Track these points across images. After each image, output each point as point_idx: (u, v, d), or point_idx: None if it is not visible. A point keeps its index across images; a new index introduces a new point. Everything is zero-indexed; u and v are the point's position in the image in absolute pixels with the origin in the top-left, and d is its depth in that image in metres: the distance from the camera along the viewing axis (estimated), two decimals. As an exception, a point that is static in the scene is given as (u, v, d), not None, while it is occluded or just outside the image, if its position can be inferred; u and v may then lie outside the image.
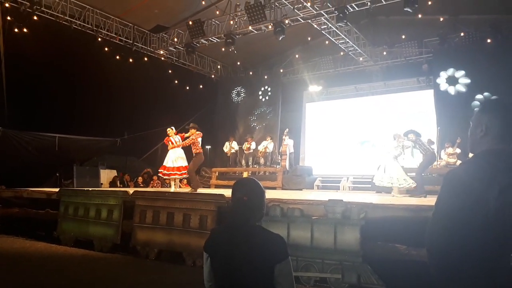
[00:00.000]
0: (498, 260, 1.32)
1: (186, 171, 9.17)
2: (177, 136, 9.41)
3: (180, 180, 10.56)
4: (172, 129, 9.44)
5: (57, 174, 12.41)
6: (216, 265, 1.87)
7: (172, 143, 9.29)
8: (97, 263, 6.45)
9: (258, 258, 1.78)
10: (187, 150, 9.39)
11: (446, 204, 1.47)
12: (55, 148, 12.60)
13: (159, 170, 9.53)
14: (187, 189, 9.48)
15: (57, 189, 8.87)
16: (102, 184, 12.95)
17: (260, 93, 17.02)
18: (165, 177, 9.56)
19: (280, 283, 1.79)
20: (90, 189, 8.74)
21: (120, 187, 12.94)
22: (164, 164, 9.36)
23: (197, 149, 8.90)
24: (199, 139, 8.94)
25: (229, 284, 1.82)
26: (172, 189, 9.25)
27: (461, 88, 12.63)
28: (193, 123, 9.36)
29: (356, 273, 4.91)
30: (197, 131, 8.99)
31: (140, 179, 14.23)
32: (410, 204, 5.34)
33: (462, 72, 12.63)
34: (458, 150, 11.25)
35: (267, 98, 16.90)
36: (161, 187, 13.27)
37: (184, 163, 9.28)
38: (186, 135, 9.24)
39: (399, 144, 8.66)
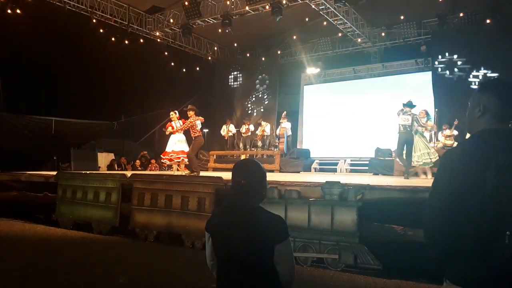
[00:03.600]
0: (494, 238, 1.33)
1: (185, 155, 9.09)
2: (179, 121, 9.31)
3: (178, 164, 10.55)
4: (175, 113, 9.38)
5: (55, 158, 12.40)
6: (217, 245, 1.89)
7: (173, 127, 9.22)
8: (96, 245, 6.50)
9: (258, 238, 1.79)
10: (187, 133, 9.32)
11: (443, 184, 1.47)
12: (51, 131, 12.54)
13: (162, 157, 9.52)
14: (186, 173, 9.45)
15: (54, 173, 8.87)
16: (99, 167, 12.96)
17: (257, 75, 16.88)
18: (167, 162, 9.50)
19: (280, 263, 1.80)
20: (88, 172, 8.75)
21: (118, 170, 12.96)
22: (166, 150, 9.35)
23: (195, 132, 8.78)
24: (198, 122, 8.79)
25: (230, 264, 1.84)
26: (175, 173, 9.17)
27: (459, 68, 12.56)
28: (191, 106, 9.15)
29: (353, 253, 4.97)
30: (195, 114, 8.85)
31: (138, 162, 14.25)
32: (406, 185, 5.37)
33: (461, 54, 12.52)
34: (455, 132, 11.26)
35: (264, 80, 16.78)
36: (159, 170, 13.30)
37: (185, 147, 9.19)
38: (187, 123, 9.05)
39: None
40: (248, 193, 1.89)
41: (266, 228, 1.81)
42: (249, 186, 1.90)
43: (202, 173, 9.10)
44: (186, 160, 9.25)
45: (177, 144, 9.21)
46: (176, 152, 9.17)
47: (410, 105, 8.60)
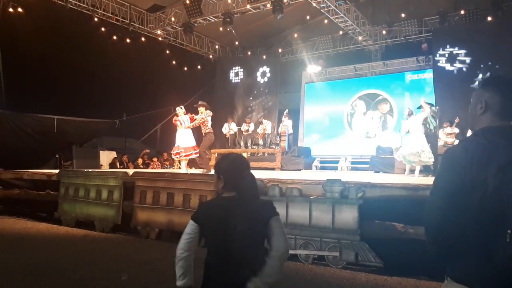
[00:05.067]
0: (495, 236, 1.32)
1: (196, 151, 8.79)
2: (186, 116, 8.95)
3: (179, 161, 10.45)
4: (181, 108, 9.04)
5: (57, 156, 12.41)
6: (211, 234, 1.95)
7: (181, 123, 8.87)
8: (98, 243, 6.53)
9: (255, 217, 1.92)
10: (196, 130, 9.06)
11: (444, 182, 1.46)
12: (53, 130, 12.55)
13: (172, 152, 9.23)
14: (198, 171, 9.19)
15: (57, 171, 8.90)
16: (101, 165, 12.98)
17: (258, 73, 16.87)
18: (176, 157, 9.22)
19: (275, 235, 1.91)
20: (90, 170, 8.77)
21: (120, 168, 12.99)
22: (176, 145, 9.00)
23: (206, 128, 8.61)
24: (209, 119, 8.61)
25: (226, 249, 1.88)
26: (184, 170, 8.92)
27: (460, 66, 12.54)
28: (202, 101, 8.94)
29: (354, 251, 4.98)
30: (206, 109, 8.65)
31: (140, 160, 14.27)
32: (407, 183, 5.38)
33: (462, 51, 12.51)
34: (456, 130, 11.26)
35: (265, 78, 16.77)
36: (161, 168, 13.32)
37: (193, 143, 8.91)
38: (197, 116, 8.76)
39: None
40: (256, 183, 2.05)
41: (260, 208, 1.98)
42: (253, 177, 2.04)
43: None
44: (193, 157, 9.00)
45: (187, 140, 8.87)
46: (184, 148, 8.83)
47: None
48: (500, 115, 1.50)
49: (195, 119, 8.74)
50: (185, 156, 8.93)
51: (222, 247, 1.91)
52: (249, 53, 17.38)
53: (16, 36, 11.26)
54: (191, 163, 10.30)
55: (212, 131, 8.76)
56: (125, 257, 5.57)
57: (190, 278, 1.91)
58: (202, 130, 8.70)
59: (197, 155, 8.85)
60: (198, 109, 8.73)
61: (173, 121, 9.17)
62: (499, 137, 1.41)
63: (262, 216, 1.94)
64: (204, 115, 8.57)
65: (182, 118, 8.92)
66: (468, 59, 12.44)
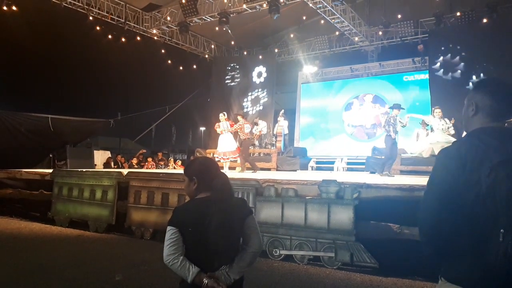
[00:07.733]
0: (489, 237, 1.33)
1: (236, 155, 9.93)
2: (227, 122, 10.03)
3: (175, 161, 10.64)
4: (224, 114, 10.18)
5: (51, 155, 12.33)
6: (191, 235, 1.95)
7: (220, 127, 10.01)
8: (92, 243, 6.49)
9: (231, 216, 1.97)
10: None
11: (438, 183, 1.47)
12: (48, 129, 12.43)
13: (215, 156, 10.19)
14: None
15: (50, 170, 8.84)
16: (96, 165, 12.91)
17: (254, 73, 16.85)
18: (221, 161, 9.93)
19: (252, 233, 2.01)
20: (84, 170, 8.72)
21: (114, 168, 12.93)
22: (217, 149, 10.16)
23: (244, 135, 9.84)
24: (246, 126, 9.89)
25: (207, 248, 1.92)
26: (227, 171, 9.57)
27: (456, 67, 12.58)
28: (242, 112, 10.58)
29: (349, 251, 4.98)
30: (243, 118, 9.99)
31: (134, 160, 14.21)
32: (403, 184, 5.38)
33: (458, 52, 12.55)
34: (451, 131, 11.29)
35: (261, 78, 16.74)
36: (156, 168, 13.27)
37: (234, 147, 9.97)
38: (236, 126, 9.99)
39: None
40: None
41: (236, 206, 2.05)
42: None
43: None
44: (233, 160, 10.09)
45: (227, 145, 9.94)
46: (225, 153, 9.88)
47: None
48: (492, 116, 1.52)
49: (234, 126, 10.02)
50: (231, 159, 9.99)
51: (200, 246, 1.94)
52: (245, 53, 17.34)
53: (10, 34, 11.18)
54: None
55: (249, 136, 10.06)
56: (119, 257, 5.54)
57: (193, 265, 1.93)
58: (241, 137, 10.06)
59: (237, 159, 10.12)
60: (237, 117, 10.24)
61: (215, 127, 10.30)
62: (492, 138, 1.43)
63: (239, 214, 2.02)
64: (242, 122, 9.87)
65: (222, 124, 10.02)
66: (463, 61, 12.48)
